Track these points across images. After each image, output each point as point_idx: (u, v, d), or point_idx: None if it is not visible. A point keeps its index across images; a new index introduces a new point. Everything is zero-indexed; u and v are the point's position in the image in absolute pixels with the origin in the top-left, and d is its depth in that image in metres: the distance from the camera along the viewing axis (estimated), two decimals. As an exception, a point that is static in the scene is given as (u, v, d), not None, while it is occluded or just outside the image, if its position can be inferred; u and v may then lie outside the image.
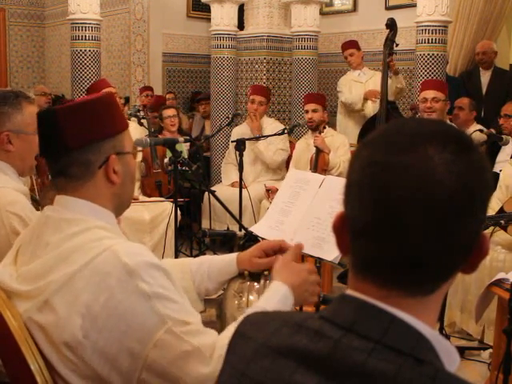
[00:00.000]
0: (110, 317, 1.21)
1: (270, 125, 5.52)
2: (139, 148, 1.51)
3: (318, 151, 4.74)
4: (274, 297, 1.38)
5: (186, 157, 5.15)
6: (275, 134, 4.84)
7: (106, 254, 1.25)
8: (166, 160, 5.06)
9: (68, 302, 1.23)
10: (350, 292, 0.83)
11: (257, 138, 5.17)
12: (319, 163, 4.72)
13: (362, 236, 0.80)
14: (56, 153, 1.36)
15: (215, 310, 1.63)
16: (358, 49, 5.90)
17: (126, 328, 1.21)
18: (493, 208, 3.40)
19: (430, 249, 0.76)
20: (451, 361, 0.79)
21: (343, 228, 0.83)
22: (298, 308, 2.93)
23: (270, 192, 4.95)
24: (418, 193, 0.75)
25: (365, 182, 0.79)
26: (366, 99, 5.64)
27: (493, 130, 4.08)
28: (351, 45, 5.93)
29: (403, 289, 0.79)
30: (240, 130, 5.56)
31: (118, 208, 1.43)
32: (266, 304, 1.34)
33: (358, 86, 5.82)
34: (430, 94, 4.43)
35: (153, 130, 5.52)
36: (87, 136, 1.34)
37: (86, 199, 1.35)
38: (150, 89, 7.04)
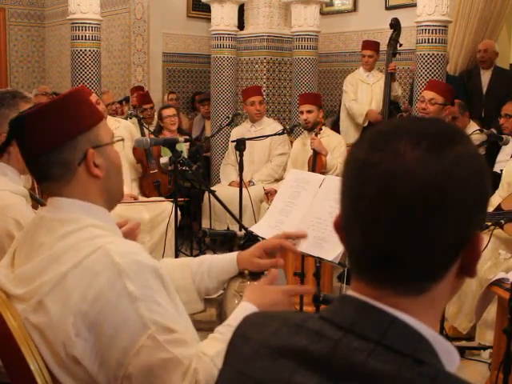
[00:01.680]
0: (98, 316, 1.20)
1: (270, 125, 5.52)
2: (117, 139, 1.47)
3: (316, 153, 4.73)
4: (241, 316, 1.37)
5: (186, 156, 5.15)
6: (275, 134, 4.83)
7: (98, 253, 1.24)
8: (162, 159, 5.08)
9: (60, 301, 1.23)
10: (350, 292, 0.83)
11: (257, 138, 5.17)
12: (317, 165, 4.72)
13: (347, 234, 0.81)
14: (33, 158, 1.35)
15: (215, 310, 1.63)
16: (378, 53, 5.89)
17: (113, 332, 1.20)
18: (493, 205, 3.39)
19: (401, 247, 0.75)
20: (451, 361, 0.79)
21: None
22: (297, 308, 2.93)
23: (269, 194, 4.94)
24: (385, 190, 0.75)
25: (345, 180, 0.81)
26: (367, 116, 5.60)
27: (493, 130, 4.07)
28: (374, 46, 5.88)
29: (390, 288, 0.78)
30: (239, 130, 5.56)
31: (109, 201, 1.41)
32: (232, 322, 1.33)
33: (365, 86, 5.81)
34: (428, 94, 4.30)
35: (152, 129, 5.52)
36: (59, 136, 1.32)
37: (75, 198, 1.34)
38: (141, 89, 7.02)
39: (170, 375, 1.20)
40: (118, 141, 1.45)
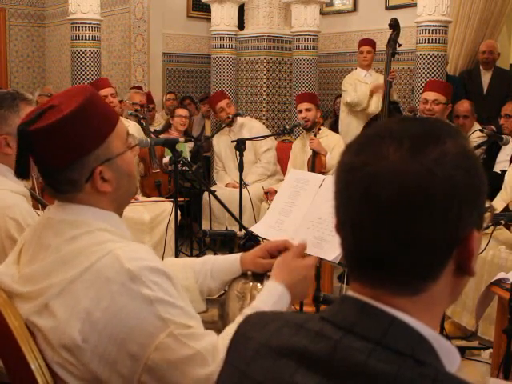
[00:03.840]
0: (110, 321, 1.20)
1: (247, 124, 5.46)
2: (130, 145, 1.41)
3: (315, 154, 4.73)
4: (271, 298, 1.37)
5: (188, 157, 5.15)
6: (276, 134, 4.83)
7: (108, 259, 1.23)
8: (164, 160, 5.07)
9: (68, 306, 1.22)
10: (350, 293, 0.83)
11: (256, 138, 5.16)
12: (316, 166, 4.72)
13: (341, 235, 0.83)
14: (39, 171, 1.33)
15: (217, 310, 1.62)
16: (375, 50, 5.94)
17: (127, 332, 1.20)
18: (496, 209, 3.38)
19: (389, 248, 0.76)
20: (452, 361, 0.79)
21: None
22: (297, 308, 2.93)
23: (269, 194, 4.94)
24: (369, 191, 0.76)
25: (336, 183, 0.82)
26: (371, 96, 5.63)
27: (493, 127, 4.07)
28: (371, 43, 5.95)
29: (385, 288, 0.79)
30: (221, 138, 5.50)
31: (120, 208, 1.40)
32: (262, 305, 1.34)
33: (363, 86, 5.81)
34: (431, 95, 4.35)
35: (154, 129, 5.52)
36: (66, 157, 1.27)
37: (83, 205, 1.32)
38: (139, 88, 7.01)
39: (192, 369, 1.22)
40: (132, 147, 1.38)
